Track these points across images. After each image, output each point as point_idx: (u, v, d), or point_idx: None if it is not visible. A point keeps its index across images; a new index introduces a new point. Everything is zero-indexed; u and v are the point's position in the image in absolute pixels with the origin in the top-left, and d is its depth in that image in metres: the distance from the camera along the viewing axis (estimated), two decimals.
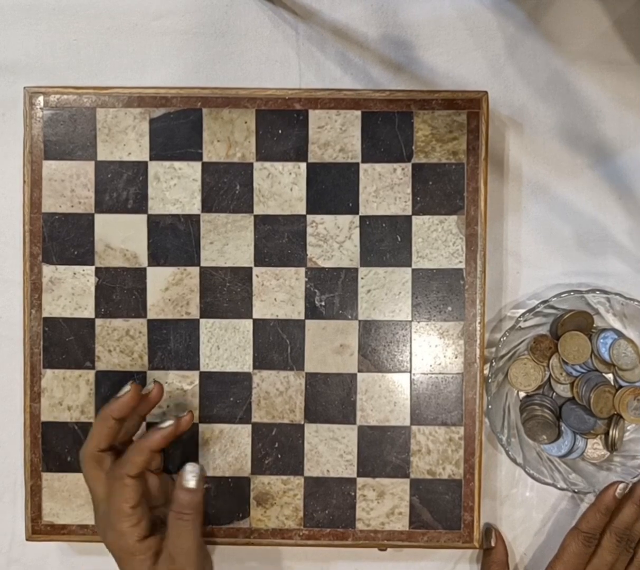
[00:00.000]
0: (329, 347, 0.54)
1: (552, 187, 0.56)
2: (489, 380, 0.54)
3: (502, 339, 0.54)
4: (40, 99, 0.54)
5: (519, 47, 0.56)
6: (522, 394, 0.57)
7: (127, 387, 0.50)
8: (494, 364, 0.54)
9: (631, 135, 0.56)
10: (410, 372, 0.54)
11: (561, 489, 0.54)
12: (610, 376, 0.56)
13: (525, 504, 0.57)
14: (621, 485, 0.52)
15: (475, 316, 0.53)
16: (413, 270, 0.54)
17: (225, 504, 0.54)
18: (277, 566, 0.57)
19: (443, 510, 0.54)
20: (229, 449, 0.54)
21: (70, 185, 0.54)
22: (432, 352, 0.54)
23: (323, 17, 0.56)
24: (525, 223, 0.56)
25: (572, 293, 0.53)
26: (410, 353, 0.54)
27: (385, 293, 0.54)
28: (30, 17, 0.57)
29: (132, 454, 0.50)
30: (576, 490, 0.54)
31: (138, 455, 0.49)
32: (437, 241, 0.53)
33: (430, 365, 0.54)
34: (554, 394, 0.56)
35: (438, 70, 0.56)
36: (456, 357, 0.54)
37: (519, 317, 0.53)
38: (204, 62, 0.56)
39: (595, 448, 0.56)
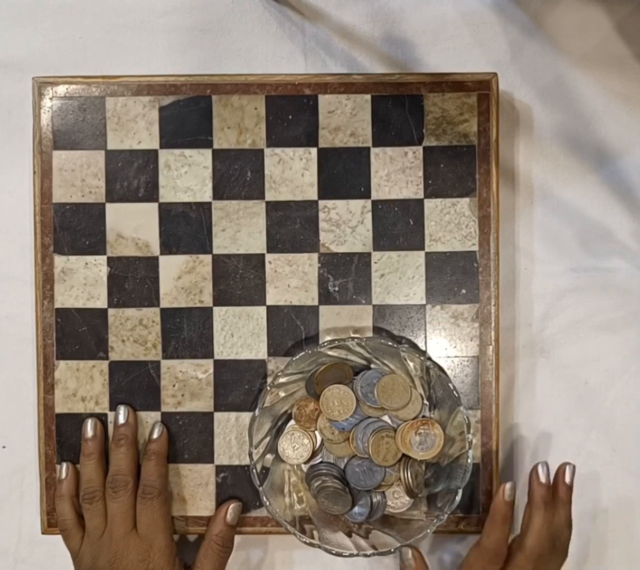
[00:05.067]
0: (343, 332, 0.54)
1: (556, 188, 0.56)
2: (256, 467, 0.49)
3: (254, 425, 0.50)
4: (49, 89, 0.54)
5: (523, 49, 0.56)
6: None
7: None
8: (254, 451, 0.49)
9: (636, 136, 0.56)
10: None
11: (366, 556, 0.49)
12: (387, 418, 0.52)
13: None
14: (507, 486, 0.50)
15: (490, 298, 0.53)
16: (426, 253, 0.54)
17: (242, 493, 0.54)
18: (289, 554, 0.57)
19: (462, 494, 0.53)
20: (245, 437, 0.54)
21: (81, 175, 0.54)
22: (447, 335, 0.54)
23: (328, 16, 0.56)
24: (535, 222, 0.56)
25: (308, 351, 0.50)
26: (425, 337, 0.54)
27: (399, 277, 0.54)
28: (36, 14, 0.57)
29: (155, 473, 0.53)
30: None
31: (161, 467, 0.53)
32: (449, 224, 0.53)
33: (446, 349, 0.54)
34: (334, 456, 0.52)
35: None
36: (471, 340, 0.53)
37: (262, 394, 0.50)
38: (210, 59, 0.56)
39: (396, 497, 0.52)
